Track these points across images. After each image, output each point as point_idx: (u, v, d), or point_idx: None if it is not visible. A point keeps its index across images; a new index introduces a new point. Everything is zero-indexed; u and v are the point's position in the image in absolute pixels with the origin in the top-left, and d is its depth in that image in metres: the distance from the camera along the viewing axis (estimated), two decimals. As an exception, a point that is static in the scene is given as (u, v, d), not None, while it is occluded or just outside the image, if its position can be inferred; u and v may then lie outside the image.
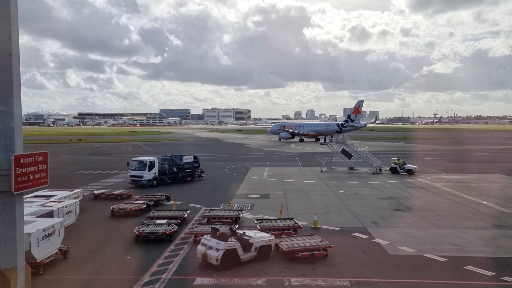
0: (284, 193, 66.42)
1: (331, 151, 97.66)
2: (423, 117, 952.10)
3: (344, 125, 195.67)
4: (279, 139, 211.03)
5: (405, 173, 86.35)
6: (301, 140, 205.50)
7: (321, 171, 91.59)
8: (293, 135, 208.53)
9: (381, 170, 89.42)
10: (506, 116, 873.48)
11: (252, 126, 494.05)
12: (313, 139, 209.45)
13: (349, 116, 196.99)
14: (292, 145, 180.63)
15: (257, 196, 64.22)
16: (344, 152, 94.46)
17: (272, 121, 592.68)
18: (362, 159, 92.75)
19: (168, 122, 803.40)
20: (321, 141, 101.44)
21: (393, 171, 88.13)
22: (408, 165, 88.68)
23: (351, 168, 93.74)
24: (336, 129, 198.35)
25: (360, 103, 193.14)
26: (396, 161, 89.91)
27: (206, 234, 35.86)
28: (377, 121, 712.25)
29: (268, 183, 75.72)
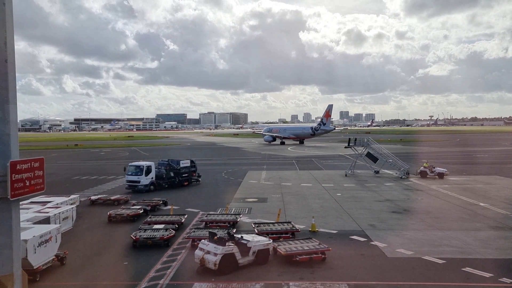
0: (282, 196, 66.29)
1: (356, 154, 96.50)
2: (419, 119, 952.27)
3: (317, 129, 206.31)
4: (269, 142, 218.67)
5: (436, 177, 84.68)
6: (282, 143, 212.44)
7: (345, 175, 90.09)
8: (274, 138, 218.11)
9: (408, 174, 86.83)
10: (501, 117, 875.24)
11: (249, 130, 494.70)
12: (298, 142, 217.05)
13: (321, 120, 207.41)
14: (289, 148, 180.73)
15: (254, 200, 64.13)
16: (369, 155, 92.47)
17: (269, 124, 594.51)
18: (388, 162, 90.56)
19: (165, 127, 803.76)
20: (346, 144, 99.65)
21: (423, 174, 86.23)
22: (438, 168, 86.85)
23: (377, 172, 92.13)
24: (310, 132, 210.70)
25: (330, 107, 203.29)
26: (425, 164, 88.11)
27: (204, 239, 35.79)
28: (373, 124, 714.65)
29: (265, 187, 75.64)
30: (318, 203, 60.82)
